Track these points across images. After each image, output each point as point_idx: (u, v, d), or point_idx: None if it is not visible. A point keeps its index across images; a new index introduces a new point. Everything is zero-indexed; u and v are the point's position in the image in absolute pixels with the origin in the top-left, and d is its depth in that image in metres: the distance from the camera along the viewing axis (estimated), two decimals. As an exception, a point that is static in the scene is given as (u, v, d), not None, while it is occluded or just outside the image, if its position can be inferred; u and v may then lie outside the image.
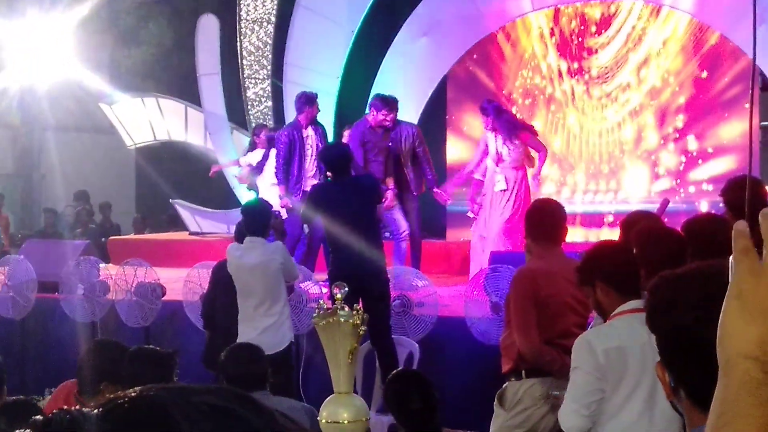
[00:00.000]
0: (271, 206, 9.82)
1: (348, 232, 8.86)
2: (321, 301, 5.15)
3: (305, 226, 12.37)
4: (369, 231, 9.06)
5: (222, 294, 9.24)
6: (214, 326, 9.39)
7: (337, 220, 8.95)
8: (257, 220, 8.88)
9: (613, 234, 11.01)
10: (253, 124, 16.39)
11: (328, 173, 9.48)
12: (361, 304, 5.83)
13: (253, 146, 14.94)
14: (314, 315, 5.03)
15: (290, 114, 15.46)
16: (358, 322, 4.90)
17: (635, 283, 4.88)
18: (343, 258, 8.92)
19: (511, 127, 11.98)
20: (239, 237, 9.17)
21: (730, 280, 1.38)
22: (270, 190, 13.64)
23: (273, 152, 13.69)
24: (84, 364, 5.69)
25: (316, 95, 13.23)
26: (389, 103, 12.51)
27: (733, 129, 14.87)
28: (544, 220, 6.45)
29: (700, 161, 15.22)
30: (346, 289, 5.01)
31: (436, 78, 16.37)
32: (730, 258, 1.39)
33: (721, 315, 1.37)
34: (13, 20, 18.68)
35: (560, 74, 16.00)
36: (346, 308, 4.89)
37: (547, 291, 6.24)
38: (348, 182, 9.26)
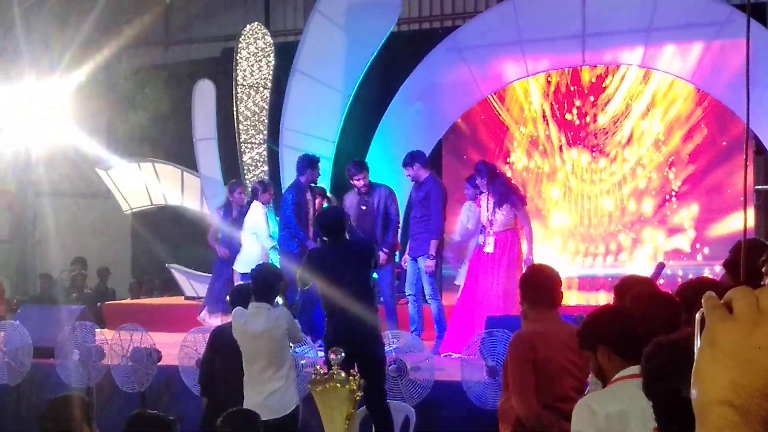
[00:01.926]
0: (280, 271, 9.80)
1: (343, 296, 8.85)
2: (317, 367, 5.14)
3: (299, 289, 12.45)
4: (364, 295, 9.04)
5: (221, 360, 9.18)
6: (213, 392, 9.31)
7: (333, 285, 8.94)
8: (265, 286, 8.81)
9: (610, 298, 11.02)
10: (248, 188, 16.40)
11: (324, 237, 9.47)
12: (356, 369, 5.81)
13: (228, 204, 14.96)
14: (310, 380, 5.02)
15: (286, 178, 15.51)
16: (355, 387, 4.89)
17: (638, 347, 4.88)
18: (339, 322, 8.90)
19: (504, 191, 12.04)
20: (235, 301, 9.12)
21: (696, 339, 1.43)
22: (252, 248, 13.74)
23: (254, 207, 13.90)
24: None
25: (319, 159, 13.36)
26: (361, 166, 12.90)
27: (729, 192, 14.91)
28: (539, 284, 6.45)
29: (695, 225, 15.25)
30: (343, 354, 5.01)
31: (432, 142, 16.42)
32: (696, 315, 1.44)
33: (694, 362, 1.41)
34: (9, 85, 18.76)
35: (555, 138, 16.07)
36: (343, 373, 4.89)
37: (544, 354, 6.22)
38: (343, 246, 9.26)
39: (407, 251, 12.81)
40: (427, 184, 12.58)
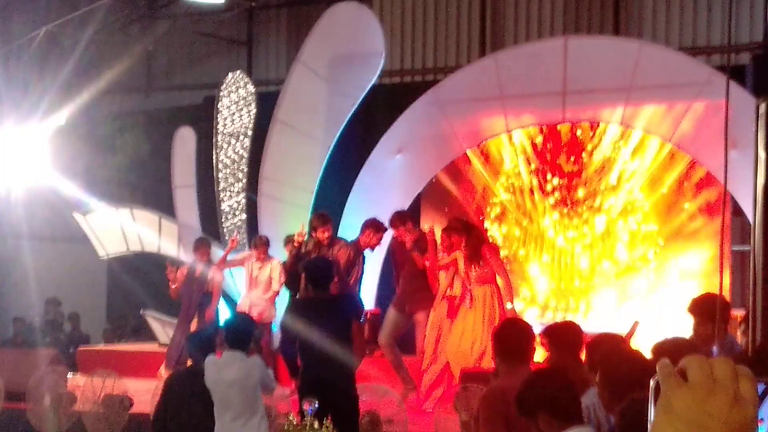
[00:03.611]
0: (254, 321, 9.81)
1: (321, 347, 8.83)
2: (291, 416, 5.13)
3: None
4: (341, 348, 9.02)
5: (173, 406, 9.12)
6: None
7: (312, 336, 8.93)
8: (240, 335, 8.80)
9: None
10: (227, 237, 16.39)
11: (311, 287, 9.46)
12: (329, 420, 5.78)
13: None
14: (283, 430, 5.01)
15: (264, 227, 15.56)
16: (327, 438, 4.88)
17: (576, 408, 4.90)
18: (313, 373, 8.88)
19: (477, 245, 12.05)
20: (197, 348, 9.11)
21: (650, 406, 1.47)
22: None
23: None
24: None
25: (386, 228, 13.11)
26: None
27: (705, 253, 14.95)
28: (512, 339, 6.45)
29: (671, 285, 15.27)
30: (317, 404, 5.00)
31: (411, 195, 16.45)
32: (651, 382, 1.48)
33: (650, 428, 1.45)
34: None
35: (533, 193, 16.11)
36: (316, 423, 4.87)
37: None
38: (327, 299, 9.27)
39: (394, 304, 12.78)
40: (422, 240, 12.54)
